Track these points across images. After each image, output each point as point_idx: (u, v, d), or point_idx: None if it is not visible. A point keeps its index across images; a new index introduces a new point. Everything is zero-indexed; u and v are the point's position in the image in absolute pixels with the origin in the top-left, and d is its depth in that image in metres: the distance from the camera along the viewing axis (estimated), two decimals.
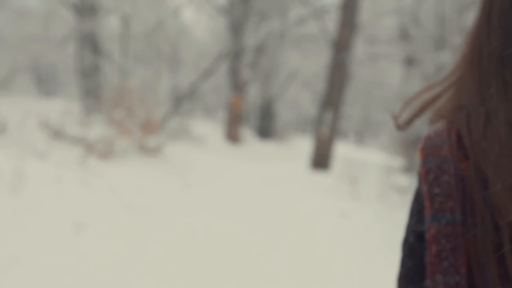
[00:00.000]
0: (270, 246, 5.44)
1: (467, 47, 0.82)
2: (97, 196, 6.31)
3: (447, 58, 12.03)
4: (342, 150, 18.61)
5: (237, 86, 18.26)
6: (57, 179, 6.26)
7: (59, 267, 4.11)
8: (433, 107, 0.85)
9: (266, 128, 23.20)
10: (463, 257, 0.71)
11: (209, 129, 19.87)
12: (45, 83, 26.00)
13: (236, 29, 17.88)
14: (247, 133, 21.67)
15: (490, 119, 0.73)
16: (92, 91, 14.84)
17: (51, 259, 4.22)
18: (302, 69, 24.21)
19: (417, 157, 0.80)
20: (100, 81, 15.71)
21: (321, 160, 12.74)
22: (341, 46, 12.54)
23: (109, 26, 17.67)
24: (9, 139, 7.63)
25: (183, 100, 17.54)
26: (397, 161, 13.95)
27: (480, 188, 0.71)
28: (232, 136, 18.36)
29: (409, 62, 16.21)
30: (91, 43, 15.62)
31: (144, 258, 4.63)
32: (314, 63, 23.64)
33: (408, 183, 10.30)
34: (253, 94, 23.22)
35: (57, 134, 9.08)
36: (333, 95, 12.65)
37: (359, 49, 17.20)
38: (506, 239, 0.67)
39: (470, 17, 11.58)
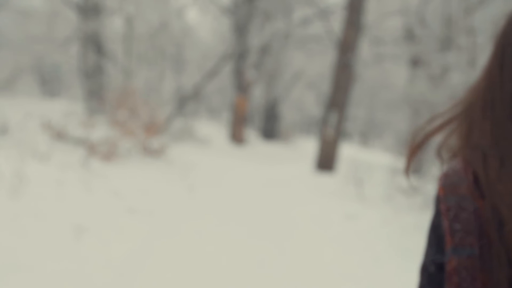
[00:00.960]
0: (275, 250, 5.33)
1: (481, 90, 0.88)
2: (99, 199, 6.21)
3: (453, 59, 11.91)
4: (347, 151, 18.48)
5: (242, 87, 18.15)
6: (59, 181, 6.15)
7: (59, 273, 4.00)
8: (436, 137, 0.92)
9: (271, 129, 23.08)
10: None
11: (213, 130, 19.77)
12: (49, 84, 25.95)
13: (241, 29, 17.78)
14: (252, 134, 21.57)
15: (505, 162, 0.79)
16: (95, 91, 14.77)
17: (51, 264, 4.12)
18: (307, 70, 24.10)
19: (436, 190, 0.87)
20: (104, 82, 15.63)
21: (326, 161, 12.61)
22: (346, 47, 12.42)
23: (112, 26, 17.60)
24: (10, 140, 7.54)
25: (187, 101, 17.46)
26: (402, 163, 13.81)
27: (496, 227, 0.77)
28: (237, 137, 18.25)
29: (415, 63, 16.09)
30: (94, 44, 15.55)
31: (146, 263, 4.53)
32: (318, 64, 23.53)
33: (414, 186, 10.16)
34: (258, 95, 23.12)
35: (59, 135, 8.99)
36: (338, 96, 12.53)
37: (364, 50, 17.07)
38: None
39: (477, 18, 11.47)
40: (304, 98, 28.59)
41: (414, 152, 0.97)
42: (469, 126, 0.87)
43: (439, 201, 0.85)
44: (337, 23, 16.02)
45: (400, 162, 13.13)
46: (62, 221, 5.05)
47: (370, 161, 16.47)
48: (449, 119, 0.91)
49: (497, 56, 0.87)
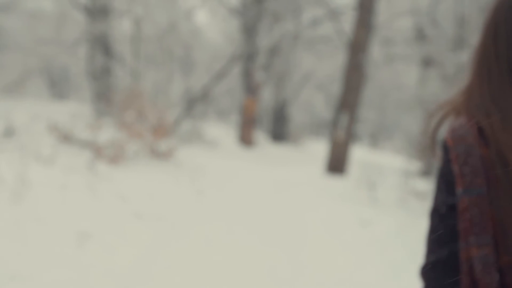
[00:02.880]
0: (285, 258, 5.12)
1: (476, 57, 1.02)
2: (104, 203, 6.02)
3: (467, 58, 11.65)
4: (357, 154, 18.23)
5: (250, 88, 17.95)
6: (63, 186, 5.97)
7: (60, 282, 3.82)
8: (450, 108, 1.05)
9: (280, 131, 22.86)
10: (490, 222, 0.89)
11: (222, 132, 19.58)
12: (57, 86, 25.92)
13: (249, 30, 17.59)
14: (261, 136, 21.37)
15: (505, 116, 0.92)
16: (103, 93, 14.63)
17: (52, 273, 3.93)
18: (316, 71, 23.87)
19: (440, 148, 1.01)
20: (112, 84, 15.50)
21: (337, 164, 12.39)
22: (357, 47, 12.19)
23: (120, 28, 17.47)
24: (15, 143, 7.38)
25: (195, 103, 17.28)
26: (415, 165, 13.58)
27: (502, 167, 0.89)
28: (245, 139, 18.05)
29: (426, 63, 15.86)
30: (102, 46, 15.43)
31: (153, 271, 4.33)
32: (328, 65, 23.30)
33: (428, 189, 9.92)
34: (267, 96, 22.91)
35: (66, 138, 8.83)
36: (349, 97, 12.31)
37: (375, 50, 16.84)
38: None
39: None
40: (314, 100, 28.37)
41: (434, 134, 1.08)
42: (469, 91, 1.02)
43: (449, 150, 0.98)
44: (347, 24, 15.81)
45: (412, 165, 12.89)
46: (65, 227, 4.87)
47: (381, 163, 16.22)
48: (459, 98, 1.05)
49: (490, 30, 1.01)
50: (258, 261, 4.93)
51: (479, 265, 0.90)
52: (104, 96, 14.26)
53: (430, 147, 1.09)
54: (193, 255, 4.87)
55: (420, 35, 16.20)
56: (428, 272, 0.98)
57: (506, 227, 0.88)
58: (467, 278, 0.91)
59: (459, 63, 12.06)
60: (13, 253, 4.10)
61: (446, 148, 0.99)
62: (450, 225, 0.95)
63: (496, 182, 0.90)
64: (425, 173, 14.05)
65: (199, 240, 5.38)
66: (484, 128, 0.94)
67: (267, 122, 25.25)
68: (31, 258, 4.08)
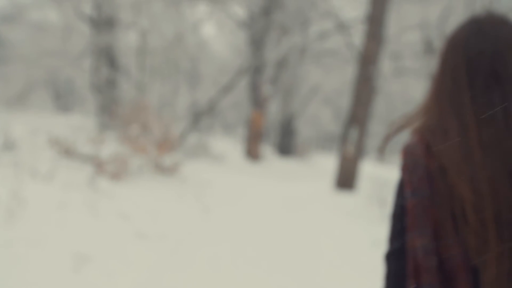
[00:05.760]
0: (296, 285, 4.78)
1: (432, 91, 1.25)
2: (105, 223, 5.70)
3: None
4: (365, 168, 17.87)
5: (257, 102, 17.69)
6: (61, 204, 5.65)
7: None
8: (410, 127, 1.27)
9: (287, 145, 22.57)
10: (431, 219, 1.11)
11: (228, 146, 19.30)
12: (62, 99, 25.75)
13: (257, 43, 17.38)
14: (267, 150, 21.07)
15: (447, 135, 1.15)
16: (108, 106, 14.38)
17: None
18: (323, 85, 23.62)
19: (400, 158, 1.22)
20: (116, 96, 15.25)
21: (346, 179, 12.04)
22: (367, 60, 11.89)
23: (126, 40, 17.26)
24: (13, 157, 7.08)
25: (201, 116, 17.01)
26: None
27: (441, 176, 1.12)
28: (252, 153, 17.74)
29: None
30: (107, 58, 15.22)
31: None
32: (335, 79, 23.07)
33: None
34: (274, 110, 22.66)
35: (67, 152, 8.54)
36: (359, 111, 11.99)
37: (384, 64, 16.58)
38: (457, 206, 1.09)
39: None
40: (321, 114, 28.10)
41: (388, 139, 1.32)
42: (425, 113, 1.24)
43: (402, 161, 1.20)
44: (356, 37, 15.54)
45: None
46: (62, 249, 4.54)
47: (389, 178, 15.84)
48: (414, 115, 1.27)
49: (439, 66, 1.25)
50: (267, 286, 4.59)
51: (421, 252, 1.10)
52: (108, 109, 14.00)
53: (382, 149, 1.38)
54: (198, 280, 4.54)
55: (429, 49, 15.96)
56: (387, 258, 1.19)
57: (443, 222, 1.10)
58: (411, 263, 1.11)
59: None
60: (5, 278, 3.78)
61: (400, 160, 1.20)
62: (403, 222, 1.15)
63: (437, 187, 1.11)
64: None
65: (205, 263, 5.05)
66: (431, 144, 1.15)
67: (274, 135, 24.98)
68: (24, 284, 3.76)
